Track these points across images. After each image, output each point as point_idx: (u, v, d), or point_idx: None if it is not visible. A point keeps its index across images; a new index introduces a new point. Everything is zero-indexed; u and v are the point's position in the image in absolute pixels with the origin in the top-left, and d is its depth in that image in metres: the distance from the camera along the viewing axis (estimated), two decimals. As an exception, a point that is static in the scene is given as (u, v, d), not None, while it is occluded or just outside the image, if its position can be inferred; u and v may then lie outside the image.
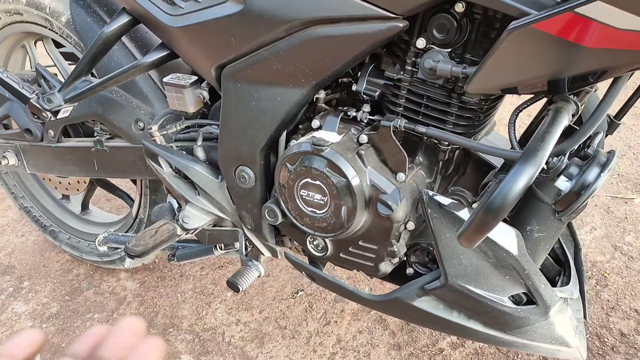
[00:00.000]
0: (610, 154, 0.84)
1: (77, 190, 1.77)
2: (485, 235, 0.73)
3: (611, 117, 1.02)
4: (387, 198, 0.95)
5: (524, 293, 0.97)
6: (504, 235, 0.93)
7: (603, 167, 0.80)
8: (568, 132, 0.85)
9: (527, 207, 0.99)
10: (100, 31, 1.17)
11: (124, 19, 1.17)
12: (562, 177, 0.78)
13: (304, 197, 1.02)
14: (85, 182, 1.74)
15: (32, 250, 2.04)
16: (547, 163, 0.80)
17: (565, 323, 1.00)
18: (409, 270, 1.09)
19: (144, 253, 1.11)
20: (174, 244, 1.38)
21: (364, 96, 1.02)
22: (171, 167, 1.22)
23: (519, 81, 0.77)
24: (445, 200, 0.93)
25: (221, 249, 1.29)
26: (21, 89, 1.23)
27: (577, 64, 0.71)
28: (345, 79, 1.09)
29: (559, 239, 1.13)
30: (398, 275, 1.12)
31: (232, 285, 1.09)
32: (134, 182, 1.70)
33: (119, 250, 1.67)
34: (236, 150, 1.11)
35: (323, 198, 1.00)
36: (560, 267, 1.13)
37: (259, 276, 1.13)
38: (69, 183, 1.76)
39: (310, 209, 1.02)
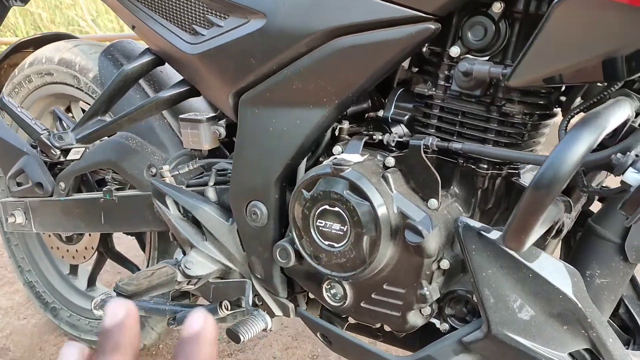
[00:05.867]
0: None
1: (84, 257, 1.66)
2: (538, 221, 0.58)
3: None
4: (417, 224, 0.81)
5: (586, 349, 0.78)
6: (558, 273, 0.77)
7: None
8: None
9: (585, 248, 0.84)
10: (121, 69, 1.15)
11: (146, 58, 1.15)
12: (630, 169, 0.65)
13: (320, 228, 0.89)
14: (92, 248, 1.64)
15: (30, 333, 1.88)
16: (611, 160, 0.66)
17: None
18: (444, 326, 0.91)
19: (136, 294, 0.96)
20: (175, 308, 1.23)
21: (392, 122, 0.93)
22: (179, 209, 1.11)
23: (569, 65, 0.67)
24: (485, 229, 0.79)
25: (227, 309, 1.13)
26: (33, 124, 1.18)
27: (638, 33, 0.61)
28: (372, 114, 1.01)
29: (623, 300, 0.95)
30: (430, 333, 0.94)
31: (233, 335, 0.92)
32: (143, 250, 1.59)
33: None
34: (249, 183, 1.00)
35: (342, 227, 0.86)
36: (629, 335, 0.94)
37: (264, 329, 0.96)
38: (76, 250, 1.66)
39: (327, 242, 0.88)
